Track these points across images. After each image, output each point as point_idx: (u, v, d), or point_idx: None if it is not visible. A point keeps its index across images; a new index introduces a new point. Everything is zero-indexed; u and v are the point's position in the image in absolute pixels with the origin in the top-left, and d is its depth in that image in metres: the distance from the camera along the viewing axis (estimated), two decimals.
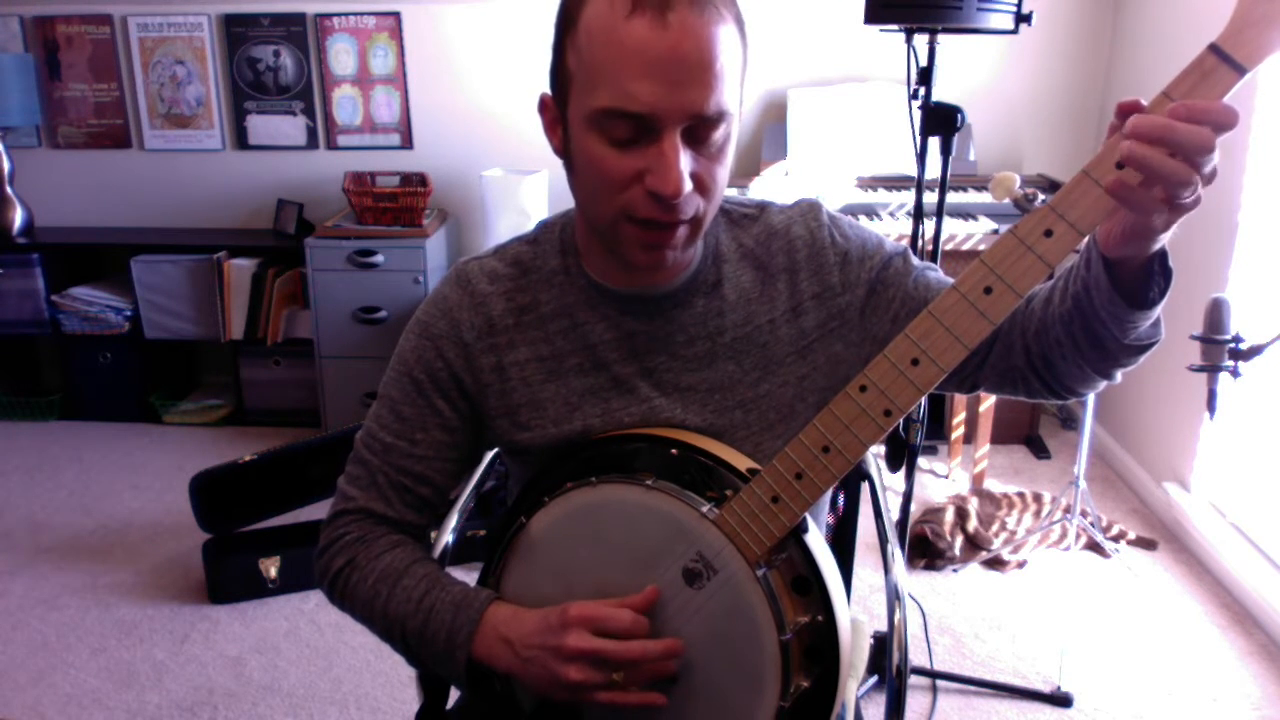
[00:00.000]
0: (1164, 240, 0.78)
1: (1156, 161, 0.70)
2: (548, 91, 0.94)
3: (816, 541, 0.92)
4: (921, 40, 1.89)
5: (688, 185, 0.86)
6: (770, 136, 3.35)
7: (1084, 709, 2.07)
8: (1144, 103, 0.74)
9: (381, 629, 1.03)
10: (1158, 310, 0.85)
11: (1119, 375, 0.93)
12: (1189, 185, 0.71)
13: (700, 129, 0.86)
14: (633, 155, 0.86)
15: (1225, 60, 0.71)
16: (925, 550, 2.61)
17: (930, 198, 1.95)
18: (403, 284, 3.32)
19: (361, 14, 3.51)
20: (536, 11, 3.47)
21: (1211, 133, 0.70)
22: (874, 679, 2.12)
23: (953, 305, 0.81)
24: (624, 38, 0.83)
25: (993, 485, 2.95)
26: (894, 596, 1.22)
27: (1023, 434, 3.37)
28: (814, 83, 3.38)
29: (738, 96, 0.89)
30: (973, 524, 2.62)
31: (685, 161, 0.86)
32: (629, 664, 0.90)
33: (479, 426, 1.07)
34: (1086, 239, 0.83)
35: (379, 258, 3.29)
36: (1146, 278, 0.82)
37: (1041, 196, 2.14)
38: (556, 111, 0.93)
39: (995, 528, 2.66)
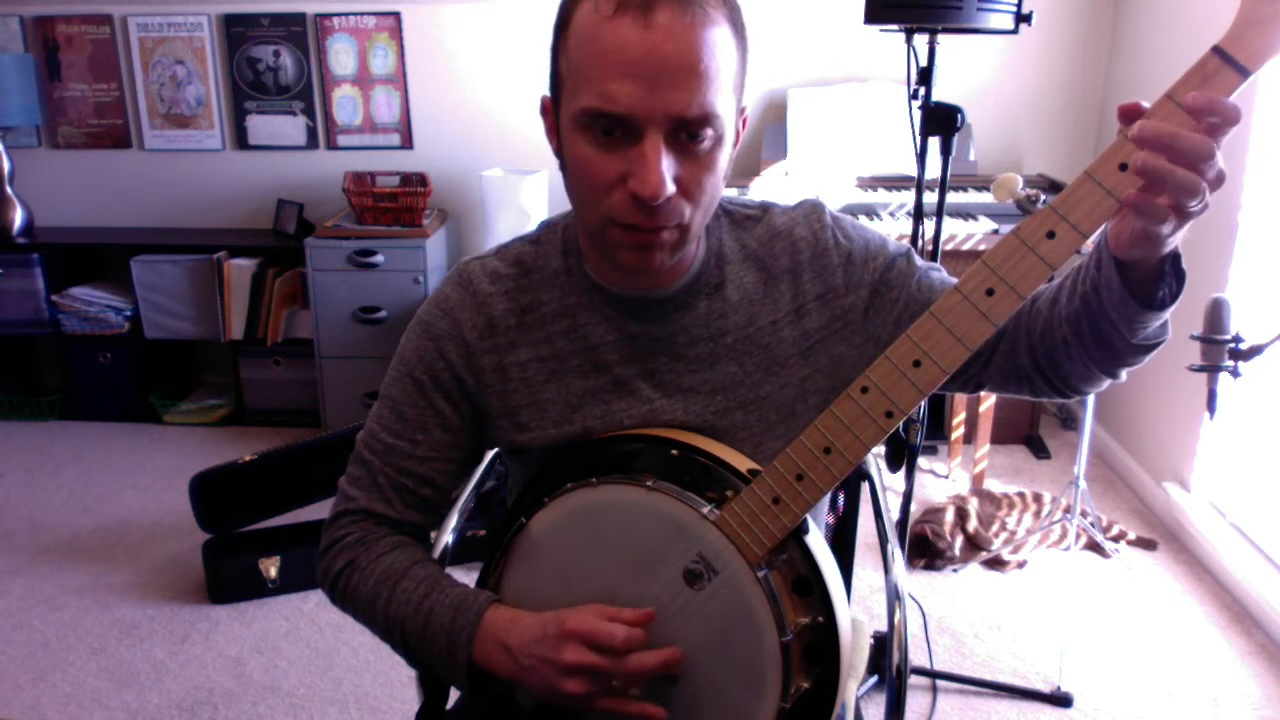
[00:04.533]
0: (1174, 244, 0.78)
1: (1166, 171, 0.70)
2: (548, 94, 0.94)
3: (817, 542, 0.92)
4: (921, 40, 1.89)
5: (669, 188, 0.85)
6: (770, 136, 3.35)
7: (1084, 709, 2.07)
8: (1145, 105, 0.74)
9: (382, 631, 1.03)
10: (1169, 312, 0.85)
11: (1124, 374, 0.93)
12: (1197, 194, 0.71)
13: (685, 132, 0.85)
14: (616, 157, 0.86)
15: (1228, 62, 0.71)
16: (925, 550, 2.61)
17: (930, 198, 1.95)
18: (403, 284, 3.32)
19: (361, 14, 3.51)
20: (536, 11, 3.47)
21: (1212, 141, 0.70)
22: (874, 679, 2.12)
23: (955, 306, 0.81)
24: (606, 38, 0.83)
25: (993, 485, 2.95)
26: (894, 596, 1.22)
27: (1023, 434, 3.37)
28: (814, 83, 3.38)
29: (731, 101, 0.87)
30: (973, 524, 2.62)
31: (668, 164, 0.85)
32: (626, 677, 0.91)
33: (480, 427, 1.07)
34: (1097, 239, 0.83)
35: (379, 258, 3.29)
36: (1158, 279, 0.82)
37: (1044, 198, 2.14)
38: (554, 115, 0.93)
39: (995, 528, 2.66)
